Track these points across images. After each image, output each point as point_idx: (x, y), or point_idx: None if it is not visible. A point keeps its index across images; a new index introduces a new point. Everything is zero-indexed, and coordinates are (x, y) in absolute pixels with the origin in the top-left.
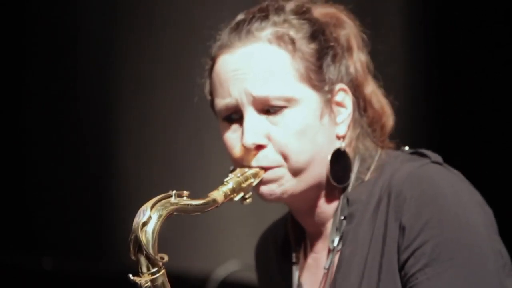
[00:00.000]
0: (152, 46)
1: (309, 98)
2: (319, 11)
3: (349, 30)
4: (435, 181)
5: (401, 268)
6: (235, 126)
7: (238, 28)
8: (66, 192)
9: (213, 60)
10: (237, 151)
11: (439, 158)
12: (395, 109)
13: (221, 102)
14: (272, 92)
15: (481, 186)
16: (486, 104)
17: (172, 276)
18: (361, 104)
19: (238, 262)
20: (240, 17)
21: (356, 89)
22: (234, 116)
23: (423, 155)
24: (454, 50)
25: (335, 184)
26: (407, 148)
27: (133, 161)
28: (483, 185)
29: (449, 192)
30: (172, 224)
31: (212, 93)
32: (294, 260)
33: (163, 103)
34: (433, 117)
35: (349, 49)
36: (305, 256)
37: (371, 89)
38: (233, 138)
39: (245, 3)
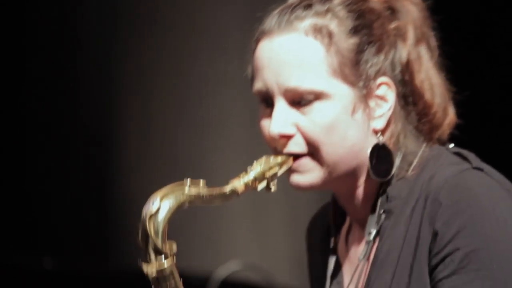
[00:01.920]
0: (153, 47)
1: (341, 93)
2: None
3: (406, 19)
4: (472, 190)
5: (431, 272)
6: (269, 112)
7: (280, 15)
8: (67, 192)
9: (256, 43)
10: (268, 137)
11: (481, 164)
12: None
13: (256, 86)
14: (301, 85)
15: None
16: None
17: None
18: (409, 98)
19: (239, 262)
20: (290, 1)
21: (405, 81)
22: (270, 101)
23: (465, 158)
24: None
25: (376, 179)
26: (452, 145)
27: (135, 161)
28: None
29: (486, 202)
30: (173, 224)
31: (252, 75)
32: (331, 245)
33: (164, 103)
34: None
35: (403, 40)
36: (344, 243)
37: (426, 80)
38: (266, 124)
39: (245, 5)
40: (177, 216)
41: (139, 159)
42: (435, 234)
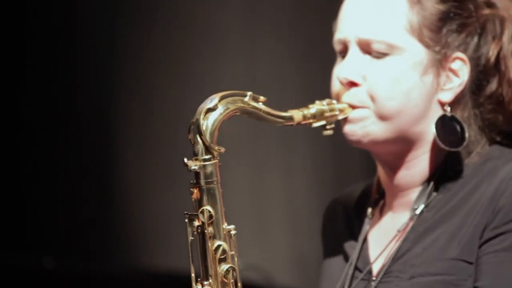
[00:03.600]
0: (153, 47)
1: (414, 51)
2: None
3: (503, 13)
4: None
5: (481, 245)
6: (342, 62)
7: None
8: (67, 192)
9: None
10: (334, 85)
11: None
12: None
13: (336, 36)
14: (375, 36)
15: None
16: None
17: (172, 276)
18: (486, 91)
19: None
20: None
21: (486, 73)
22: (346, 53)
23: None
24: None
25: (444, 146)
26: None
27: (134, 161)
28: None
29: None
30: (172, 223)
31: (335, 27)
32: (369, 215)
33: (163, 103)
34: None
35: (494, 29)
36: (381, 215)
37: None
38: (336, 71)
39: (247, 4)
40: (177, 215)
41: (139, 160)
42: (498, 210)
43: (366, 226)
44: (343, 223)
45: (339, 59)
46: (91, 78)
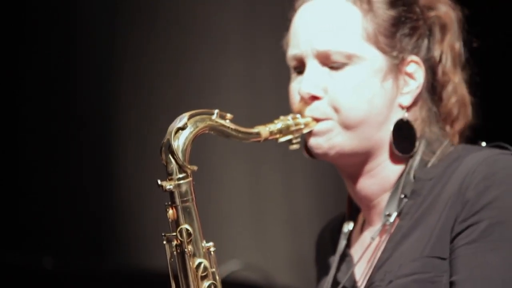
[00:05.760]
0: (153, 47)
1: (372, 58)
2: None
3: (442, 14)
4: (510, 169)
5: (452, 239)
6: (300, 78)
7: None
8: (67, 192)
9: (295, 11)
10: (295, 101)
11: None
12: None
13: (291, 51)
14: (333, 47)
15: None
16: None
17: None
18: (438, 90)
19: (238, 262)
20: None
21: (435, 73)
22: (302, 68)
23: (506, 148)
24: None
25: (397, 153)
26: (484, 144)
27: (134, 161)
28: None
29: None
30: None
31: (287, 45)
32: (345, 230)
33: (163, 103)
34: None
35: (439, 31)
36: (362, 230)
37: (455, 79)
38: (295, 88)
39: (247, 4)
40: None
41: (138, 159)
42: (465, 202)
43: (342, 242)
44: (330, 247)
45: (294, 75)
46: (91, 78)
